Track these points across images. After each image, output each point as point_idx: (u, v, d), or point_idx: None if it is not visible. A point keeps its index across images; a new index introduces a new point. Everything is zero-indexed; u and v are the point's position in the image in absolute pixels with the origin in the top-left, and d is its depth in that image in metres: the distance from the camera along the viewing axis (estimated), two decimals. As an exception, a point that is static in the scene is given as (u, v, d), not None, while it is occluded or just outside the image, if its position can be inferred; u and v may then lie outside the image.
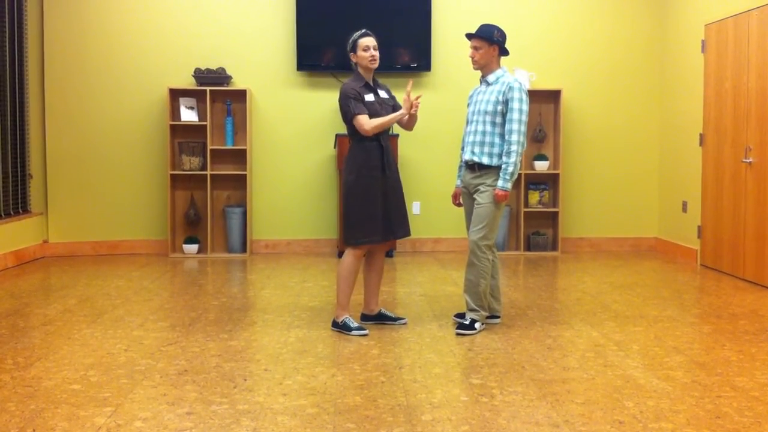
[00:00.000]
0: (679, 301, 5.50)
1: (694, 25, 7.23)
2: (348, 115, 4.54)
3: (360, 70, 4.62)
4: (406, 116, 4.57)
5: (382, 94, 4.68)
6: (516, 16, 7.86)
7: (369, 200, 4.54)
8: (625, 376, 3.75)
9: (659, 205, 8.02)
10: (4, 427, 3.07)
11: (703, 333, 4.61)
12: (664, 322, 4.85)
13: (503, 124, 4.59)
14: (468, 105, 4.83)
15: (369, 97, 4.57)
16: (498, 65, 4.70)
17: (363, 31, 4.63)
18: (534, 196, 7.84)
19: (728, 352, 4.18)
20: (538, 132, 7.85)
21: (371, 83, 4.64)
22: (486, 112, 4.61)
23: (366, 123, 4.49)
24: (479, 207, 4.61)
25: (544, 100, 7.90)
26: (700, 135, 7.07)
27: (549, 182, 7.91)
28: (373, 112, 4.54)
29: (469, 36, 4.67)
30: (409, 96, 4.52)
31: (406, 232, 4.72)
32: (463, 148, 4.78)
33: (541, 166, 7.77)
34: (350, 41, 4.62)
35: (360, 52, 4.58)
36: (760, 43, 6.10)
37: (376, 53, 4.59)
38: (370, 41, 4.58)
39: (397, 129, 7.27)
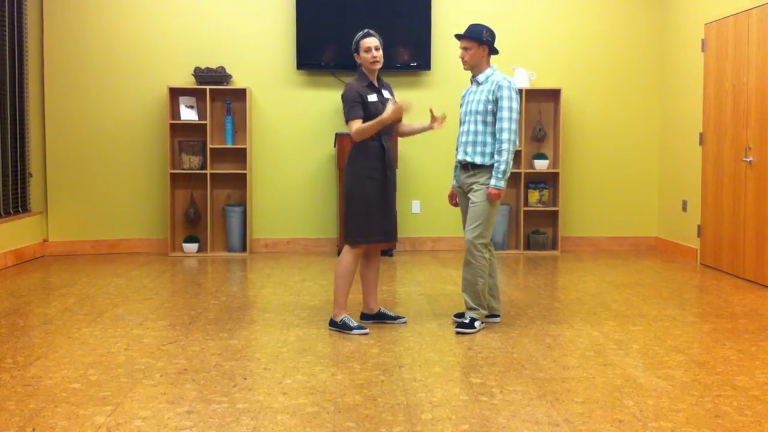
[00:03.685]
0: (678, 301, 5.50)
1: (694, 24, 7.22)
2: (345, 118, 4.58)
3: (363, 69, 4.62)
4: (391, 119, 4.49)
5: (386, 94, 4.67)
6: (515, 15, 7.85)
7: (370, 200, 4.56)
8: (624, 375, 3.75)
9: (659, 204, 8.02)
10: (4, 426, 3.07)
11: (703, 332, 4.61)
12: (664, 321, 4.85)
13: (495, 123, 4.60)
14: (461, 105, 4.84)
15: (372, 98, 4.55)
16: (488, 65, 4.71)
17: (366, 31, 4.60)
18: (534, 195, 7.84)
19: (728, 351, 4.18)
20: (538, 131, 7.84)
21: (375, 83, 4.63)
22: (477, 112, 4.62)
23: (353, 129, 4.51)
24: (474, 206, 4.63)
25: (544, 99, 7.89)
26: (700, 134, 7.07)
27: (549, 181, 7.90)
28: (375, 112, 4.52)
29: (459, 37, 4.68)
30: (434, 116, 4.75)
31: (396, 236, 4.79)
32: (457, 149, 4.79)
33: (541, 165, 7.76)
34: (354, 41, 4.61)
35: (362, 53, 4.56)
36: (760, 42, 6.10)
37: (378, 53, 4.56)
38: (372, 42, 4.55)
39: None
